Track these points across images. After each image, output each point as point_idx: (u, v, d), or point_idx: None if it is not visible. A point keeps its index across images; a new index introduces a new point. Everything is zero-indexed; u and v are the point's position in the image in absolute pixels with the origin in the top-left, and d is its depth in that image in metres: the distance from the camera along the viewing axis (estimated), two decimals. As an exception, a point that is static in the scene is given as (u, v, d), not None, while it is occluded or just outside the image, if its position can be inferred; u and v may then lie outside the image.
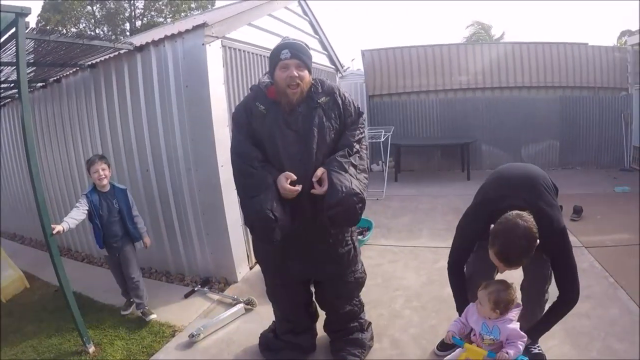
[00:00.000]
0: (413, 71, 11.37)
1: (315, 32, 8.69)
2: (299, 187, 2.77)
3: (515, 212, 2.48)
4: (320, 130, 2.90)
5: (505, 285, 2.64)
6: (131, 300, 4.40)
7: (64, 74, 5.80)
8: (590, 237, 5.66)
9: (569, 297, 2.73)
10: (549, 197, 2.76)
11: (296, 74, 2.84)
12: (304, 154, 2.87)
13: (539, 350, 3.24)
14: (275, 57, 2.93)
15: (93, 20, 26.35)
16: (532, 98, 10.82)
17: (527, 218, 2.44)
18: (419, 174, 10.76)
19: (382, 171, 9.54)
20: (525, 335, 2.60)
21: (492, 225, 2.52)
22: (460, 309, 2.99)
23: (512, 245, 2.40)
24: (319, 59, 8.81)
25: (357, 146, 3.01)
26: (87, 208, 4.07)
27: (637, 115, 10.22)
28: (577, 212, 6.58)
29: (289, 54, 2.86)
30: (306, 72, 2.91)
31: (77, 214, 3.98)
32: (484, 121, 10.85)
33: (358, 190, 2.77)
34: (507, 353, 2.51)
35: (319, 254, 3.07)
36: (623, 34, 21.62)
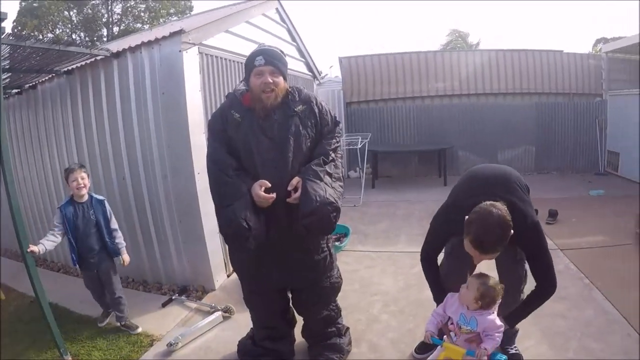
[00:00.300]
0: (390, 78, 11.46)
1: (293, 39, 8.71)
2: (273, 195, 2.77)
3: (489, 202, 2.51)
4: (296, 139, 2.91)
5: (496, 283, 2.66)
6: (109, 311, 4.33)
7: (40, 80, 5.72)
8: (566, 240, 5.77)
9: (546, 289, 2.78)
10: (522, 194, 2.79)
11: (270, 80, 2.84)
12: (279, 161, 2.87)
13: (515, 350, 3.30)
14: (250, 63, 2.93)
15: (70, 26, 26.11)
16: (508, 104, 11.01)
17: (500, 207, 2.47)
18: (396, 180, 10.84)
19: (360, 178, 9.60)
20: (503, 325, 2.64)
21: (467, 217, 2.54)
22: (437, 298, 3.02)
23: (487, 232, 2.42)
24: (296, 66, 8.83)
25: (333, 155, 3.02)
26: (61, 227, 3.92)
27: (611, 120, 10.48)
28: (553, 215, 6.70)
29: (263, 60, 2.87)
30: (281, 78, 2.92)
31: (53, 238, 3.86)
32: (461, 127, 10.98)
33: (332, 200, 2.78)
34: (485, 349, 2.54)
35: (295, 262, 3.07)
36: (598, 41, 22.05)
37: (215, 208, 2.97)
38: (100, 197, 4.20)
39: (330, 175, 2.93)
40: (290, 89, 3.02)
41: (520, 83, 10.95)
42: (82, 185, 3.98)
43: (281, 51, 3.02)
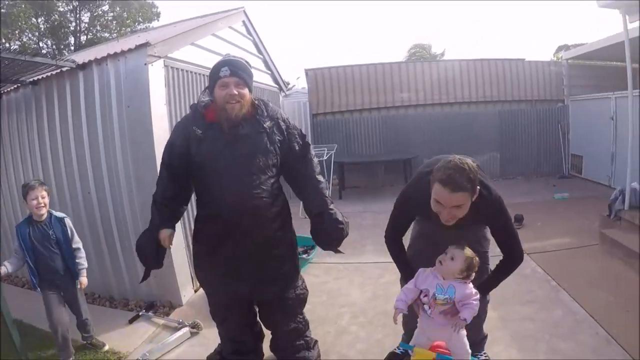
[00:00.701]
0: (355, 89, 11.58)
1: (259, 51, 8.75)
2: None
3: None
4: (264, 155, 2.92)
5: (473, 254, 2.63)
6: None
7: (5, 90, 5.60)
8: (532, 244, 5.87)
9: (514, 260, 2.81)
10: (483, 174, 2.70)
11: (235, 92, 2.83)
12: (244, 177, 2.87)
13: (485, 357, 3.34)
14: (214, 74, 2.91)
15: (37, 33, 25.61)
16: (472, 113, 11.26)
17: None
18: (364, 191, 10.90)
19: (326, 189, 9.54)
20: (478, 293, 2.61)
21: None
22: (404, 275, 3.04)
23: (457, 169, 2.34)
24: (262, 78, 8.86)
25: (321, 179, 3.16)
26: (20, 248, 3.75)
27: (573, 125, 10.81)
28: (518, 220, 6.79)
29: (229, 71, 2.84)
30: (246, 90, 2.90)
31: (15, 261, 3.73)
32: (426, 137, 11.13)
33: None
34: (464, 319, 2.53)
35: (260, 274, 3.07)
36: (560, 48, 22.47)
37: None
38: (60, 215, 3.95)
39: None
40: (257, 102, 3.01)
41: (484, 91, 11.21)
42: (42, 204, 3.74)
43: (247, 62, 3.01)
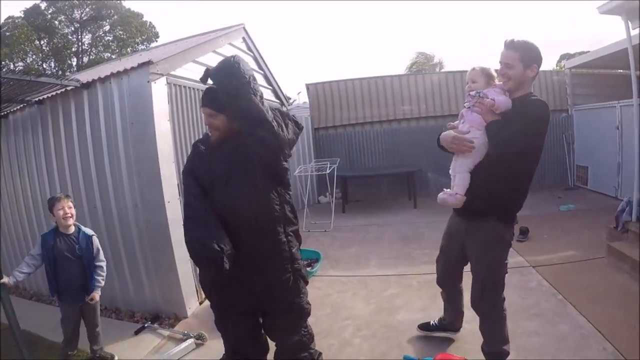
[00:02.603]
0: (357, 103, 11.63)
1: (260, 67, 8.85)
2: None
3: None
4: (251, 167, 2.93)
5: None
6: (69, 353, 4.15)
7: (11, 110, 5.73)
8: (537, 257, 5.82)
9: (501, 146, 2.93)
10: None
11: (208, 123, 2.97)
12: (237, 192, 2.93)
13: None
14: None
15: (41, 55, 25.93)
16: (474, 124, 11.12)
17: None
18: (367, 205, 10.87)
19: (330, 203, 9.65)
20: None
21: None
22: None
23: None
24: (263, 93, 8.82)
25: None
26: (39, 256, 3.83)
27: (578, 135, 10.72)
28: (524, 233, 6.75)
29: (203, 103, 2.97)
30: (220, 117, 2.93)
31: (27, 269, 3.77)
32: (429, 149, 10.90)
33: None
34: (492, 99, 2.90)
35: (260, 286, 3.09)
36: (562, 57, 22.46)
37: (185, 236, 3.00)
38: (90, 232, 4.05)
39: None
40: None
41: (486, 103, 11.11)
42: (69, 215, 3.88)
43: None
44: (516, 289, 4.83)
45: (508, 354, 3.31)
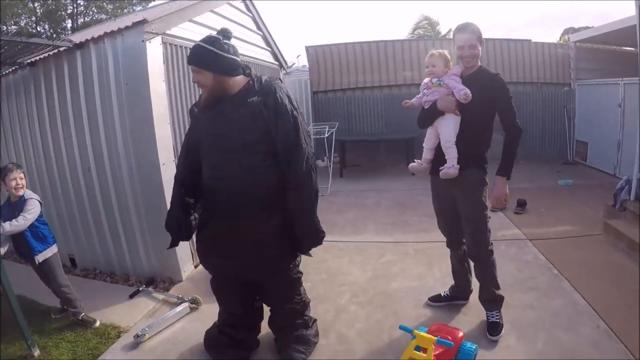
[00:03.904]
0: (357, 67, 11.46)
1: (259, 28, 8.65)
2: None
3: None
4: (244, 131, 2.87)
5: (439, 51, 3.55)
6: (65, 308, 4.25)
7: (4, 73, 5.61)
8: (534, 230, 5.81)
9: (515, 131, 3.39)
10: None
11: (195, 80, 2.95)
12: (222, 155, 2.93)
13: (496, 318, 3.53)
14: None
15: (34, 18, 25.56)
16: (476, 93, 11.01)
17: None
18: (364, 170, 10.83)
19: (327, 167, 9.59)
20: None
21: None
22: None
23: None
24: (262, 55, 8.80)
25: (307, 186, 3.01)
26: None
27: (579, 110, 10.61)
28: (521, 205, 6.75)
29: (188, 61, 2.96)
30: (205, 73, 2.87)
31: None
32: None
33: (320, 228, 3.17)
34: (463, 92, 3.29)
35: (245, 255, 3.07)
36: (567, 31, 22.22)
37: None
38: (27, 196, 3.96)
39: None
40: (249, 78, 3.00)
41: (489, 72, 11.00)
42: (21, 185, 3.91)
43: (208, 41, 2.88)
44: (512, 261, 4.85)
45: (503, 298, 3.61)
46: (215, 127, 2.93)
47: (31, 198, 3.95)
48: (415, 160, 3.84)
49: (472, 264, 3.72)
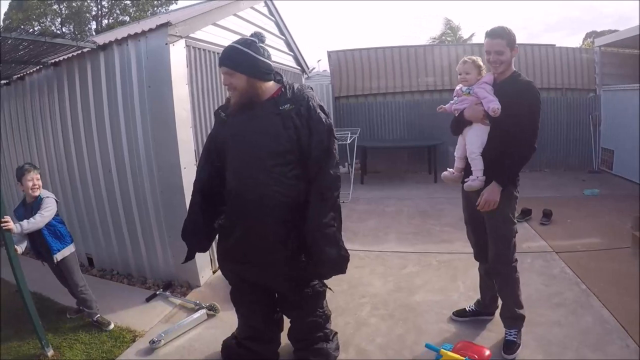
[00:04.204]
0: (379, 72, 11.36)
1: (281, 32, 8.59)
2: None
3: None
4: (274, 139, 2.80)
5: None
6: (81, 308, 4.25)
7: (28, 72, 5.66)
8: (561, 242, 5.65)
9: (526, 151, 3.25)
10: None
11: (227, 83, 2.85)
12: (251, 163, 2.84)
13: (514, 337, 3.42)
14: None
15: (60, 19, 25.86)
16: (499, 99, 10.85)
17: None
18: (386, 176, 10.72)
19: (349, 173, 9.52)
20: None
21: None
22: None
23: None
24: (284, 59, 8.76)
25: (334, 191, 2.89)
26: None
27: (605, 116, 10.37)
28: (547, 215, 6.58)
29: (219, 62, 2.87)
30: (238, 76, 2.79)
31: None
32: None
33: (344, 252, 2.91)
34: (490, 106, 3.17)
35: (269, 266, 2.99)
36: (589, 35, 21.99)
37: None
38: (43, 195, 3.99)
39: (334, 217, 2.90)
40: (281, 85, 2.91)
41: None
42: (37, 186, 3.92)
43: (244, 43, 2.84)
44: (539, 275, 4.72)
45: (524, 317, 3.48)
46: (245, 133, 2.85)
47: (47, 197, 3.97)
48: (448, 169, 3.71)
49: None
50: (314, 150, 2.81)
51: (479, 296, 3.90)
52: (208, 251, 4.87)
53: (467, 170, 3.48)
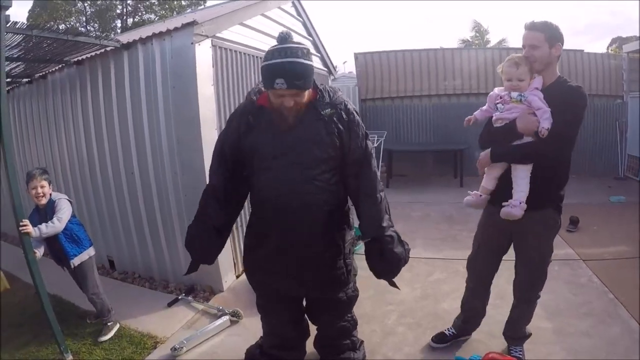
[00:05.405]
0: (407, 75, 11.28)
1: (309, 33, 8.52)
2: None
3: None
4: (318, 146, 2.63)
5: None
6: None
7: (50, 70, 5.64)
8: (588, 250, 5.54)
9: (554, 143, 2.81)
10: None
11: (291, 104, 2.54)
12: (294, 171, 2.65)
13: (519, 354, 3.30)
14: (267, 82, 2.51)
15: (84, 18, 26.12)
16: (527, 104, 10.71)
17: None
18: (411, 180, 10.60)
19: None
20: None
21: None
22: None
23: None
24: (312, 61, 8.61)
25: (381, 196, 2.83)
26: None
27: (632, 123, 10.15)
28: (574, 222, 6.46)
29: (285, 84, 2.43)
30: (305, 93, 2.58)
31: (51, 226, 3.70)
32: (478, 127, 10.60)
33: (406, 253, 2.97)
34: (544, 128, 2.70)
35: (307, 275, 2.88)
36: (614, 41, 21.76)
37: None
38: (55, 197, 3.94)
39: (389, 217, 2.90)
40: (320, 90, 2.73)
41: (540, 82, 10.68)
42: (41, 194, 3.82)
43: (306, 55, 2.55)
44: (566, 284, 4.61)
45: (530, 335, 3.42)
46: (286, 139, 2.64)
47: (59, 198, 3.91)
48: (470, 192, 3.20)
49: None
50: (354, 154, 2.70)
51: (505, 304, 3.63)
52: (231, 255, 4.84)
53: (497, 193, 3.06)
